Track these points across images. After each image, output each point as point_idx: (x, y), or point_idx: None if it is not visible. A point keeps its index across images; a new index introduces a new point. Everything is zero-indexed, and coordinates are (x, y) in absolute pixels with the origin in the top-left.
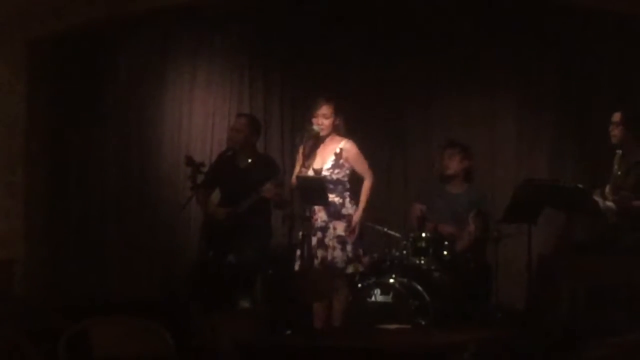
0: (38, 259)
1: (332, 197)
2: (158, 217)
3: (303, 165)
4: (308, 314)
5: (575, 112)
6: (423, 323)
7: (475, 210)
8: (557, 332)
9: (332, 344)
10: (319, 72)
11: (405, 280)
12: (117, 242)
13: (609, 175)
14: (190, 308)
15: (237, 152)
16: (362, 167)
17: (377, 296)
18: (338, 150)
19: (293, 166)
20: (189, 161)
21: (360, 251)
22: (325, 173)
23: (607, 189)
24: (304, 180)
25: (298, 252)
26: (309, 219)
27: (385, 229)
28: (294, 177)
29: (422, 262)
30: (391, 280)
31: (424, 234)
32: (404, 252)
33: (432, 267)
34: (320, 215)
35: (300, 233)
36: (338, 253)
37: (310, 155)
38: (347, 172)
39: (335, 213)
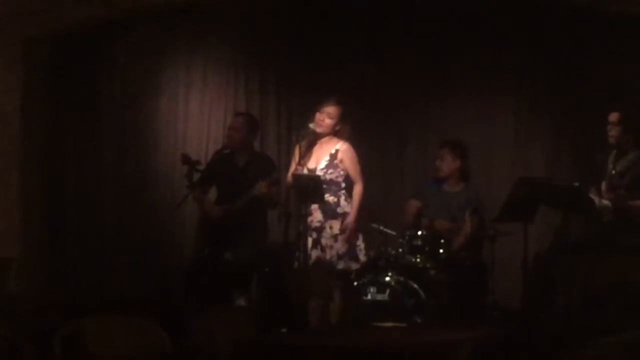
0: (34, 258)
1: (327, 197)
2: (154, 215)
3: (299, 164)
4: (304, 312)
5: (571, 111)
6: (419, 321)
7: (471, 208)
8: (553, 330)
9: (328, 342)
10: (315, 71)
11: (401, 278)
12: (113, 240)
13: (604, 173)
14: (186, 306)
15: (234, 151)
16: (355, 172)
17: (373, 294)
18: (334, 151)
19: (289, 165)
20: (185, 159)
21: (356, 249)
22: (319, 173)
23: (603, 187)
24: (299, 178)
25: (294, 250)
26: (305, 217)
27: (381, 227)
28: (289, 175)
29: (418, 260)
30: (387, 279)
31: (420, 232)
32: (400, 250)
33: (428, 265)
34: (316, 215)
35: (296, 232)
36: (334, 252)
37: (306, 154)
38: (342, 173)
39: (330, 212)
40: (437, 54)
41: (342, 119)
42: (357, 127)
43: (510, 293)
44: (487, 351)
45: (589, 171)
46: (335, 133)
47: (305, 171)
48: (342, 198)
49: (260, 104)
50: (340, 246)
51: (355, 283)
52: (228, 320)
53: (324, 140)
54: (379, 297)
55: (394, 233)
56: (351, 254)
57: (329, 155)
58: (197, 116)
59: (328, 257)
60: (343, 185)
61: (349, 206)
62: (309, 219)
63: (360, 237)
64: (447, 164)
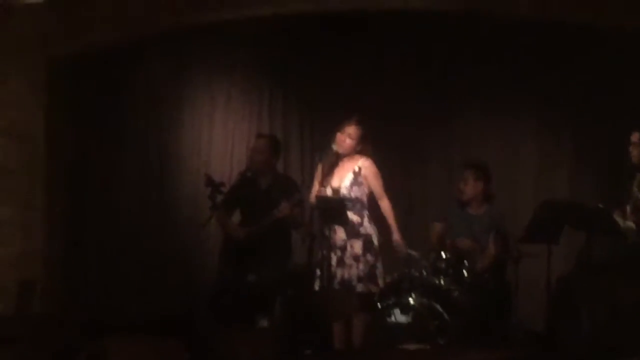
0: (58, 278)
1: (351, 215)
2: (178, 236)
3: (322, 184)
4: (328, 334)
5: (595, 132)
6: (443, 343)
7: (495, 230)
8: (578, 352)
9: None
10: (338, 91)
11: (424, 300)
12: (137, 261)
13: (629, 195)
14: (209, 327)
15: (257, 173)
16: (378, 187)
17: (397, 316)
18: (357, 169)
19: (312, 186)
20: (209, 181)
21: (376, 271)
22: (343, 191)
23: (628, 209)
24: (323, 200)
25: (317, 272)
26: (328, 239)
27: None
28: (312, 196)
29: (442, 282)
30: (411, 300)
31: (443, 254)
32: (424, 272)
33: (452, 287)
34: (339, 234)
35: (320, 253)
36: (355, 272)
37: (328, 174)
38: (366, 190)
39: (353, 232)
40: (459, 74)
41: (363, 139)
42: (380, 147)
43: (534, 315)
44: None
45: (613, 193)
46: (357, 152)
47: (329, 190)
48: (366, 219)
49: (283, 124)
50: (362, 268)
51: (379, 305)
52: (251, 341)
53: (345, 159)
54: (403, 319)
55: (417, 255)
56: (370, 276)
57: (352, 173)
58: (221, 137)
59: (347, 276)
60: (367, 205)
61: (371, 227)
62: (333, 237)
63: (380, 260)
64: (470, 187)
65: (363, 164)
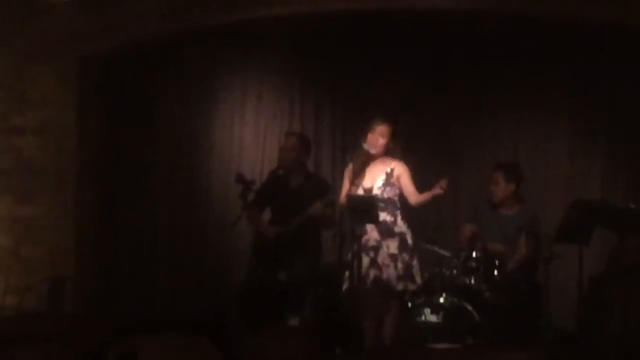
0: (88, 276)
1: (384, 216)
2: (208, 235)
3: (352, 184)
4: (358, 332)
5: (627, 131)
6: (473, 343)
7: (526, 230)
8: (609, 353)
9: None
10: (370, 91)
11: (455, 299)
12: (167, 259)
13: None
14: (240, 325)
15: (288, 172)
16: (410, 190)
17: (428, 315)
18: (389, 170)
19: (343, 185)
20: (240, 179)
21: (413, 270)
22: (376, 192)
23: None
24: (354, 199)
25: (347, 272)
26: (359, 238)
27: (436, 248)
28: (343, 195)
29: (473, 281)
30: (441, 300)
31: (474, 254)
32: (454, 271)
33: (483, 287)
34: (373, 235)
35: (350, 252)
36: (392, 271)
37: (360, 173)
38: (398, 192)
39: (387, 231)
40: (490, 74)
41: (394, 137)
42: (410, 147)
43: (565, 315)
44: None
45: None
46: (387, 152)
47: (360, 191)
48: (399, 217)
49: (314, 123)
50: (400, 266)
51: (410, 304)
52: (281, 340)
53: (377, 159)
54: (433, 318)
55: (448, 254)
56: (408, 274)
57: (384, 174)
58: (252, 135)
59: (384, 276)
60: (399, 204)
61: (405, 226)
62: (365, 237)
63: (415, 258)
64: (501, 188)
65: (396, 166)
